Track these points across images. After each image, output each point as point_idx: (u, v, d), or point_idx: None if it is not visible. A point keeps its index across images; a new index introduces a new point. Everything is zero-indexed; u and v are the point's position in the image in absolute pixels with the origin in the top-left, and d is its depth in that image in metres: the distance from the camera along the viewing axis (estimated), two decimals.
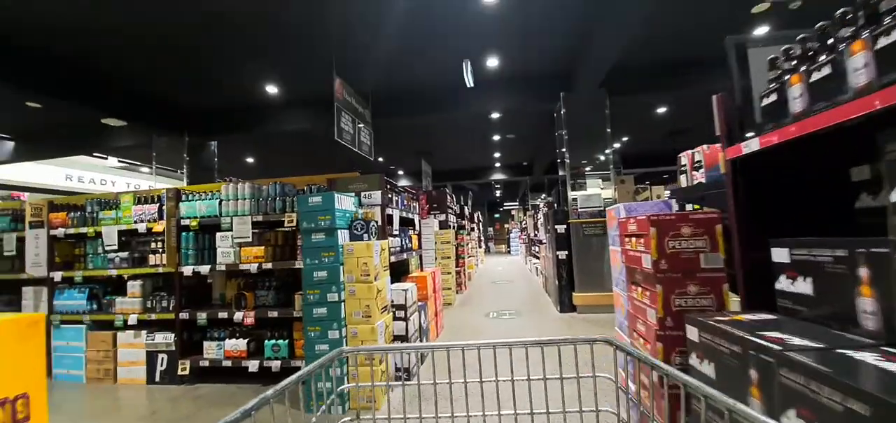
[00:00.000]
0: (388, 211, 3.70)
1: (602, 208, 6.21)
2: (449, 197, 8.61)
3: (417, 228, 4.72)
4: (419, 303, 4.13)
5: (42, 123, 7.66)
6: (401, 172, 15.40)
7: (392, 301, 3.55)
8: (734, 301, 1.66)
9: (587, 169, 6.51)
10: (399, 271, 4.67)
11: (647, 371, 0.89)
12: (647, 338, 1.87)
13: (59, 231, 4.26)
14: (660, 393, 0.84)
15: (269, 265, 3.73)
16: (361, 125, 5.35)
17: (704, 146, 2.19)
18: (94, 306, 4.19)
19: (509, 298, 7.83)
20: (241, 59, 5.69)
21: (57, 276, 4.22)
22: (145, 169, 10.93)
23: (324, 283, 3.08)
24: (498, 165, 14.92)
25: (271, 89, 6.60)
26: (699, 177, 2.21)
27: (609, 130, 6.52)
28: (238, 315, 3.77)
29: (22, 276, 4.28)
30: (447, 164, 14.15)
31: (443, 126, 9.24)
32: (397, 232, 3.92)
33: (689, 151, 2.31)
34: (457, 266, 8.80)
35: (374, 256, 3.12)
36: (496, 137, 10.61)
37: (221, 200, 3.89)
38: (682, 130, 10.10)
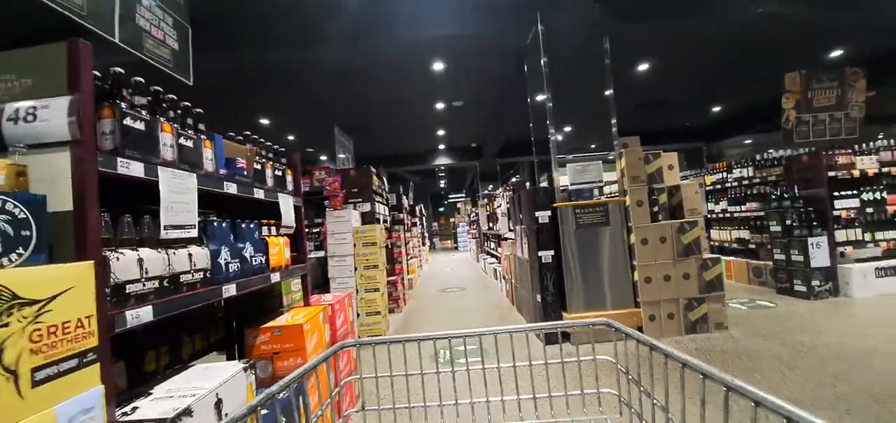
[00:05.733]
0: (128, 167, 1.14)
1: (602, 184, 4.20)
2: (376, 179, 6.15)
3: (289, 222, 2.21)
4: (265, 411, 1.67)
5: None
6: (324, 158, 12.48)
7: None
8: None
9: (565, 131, 4.45)
10: (251, 314, 2.17)
11: (647, 353, 0.85)
12: None
13: None
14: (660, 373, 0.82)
15: None
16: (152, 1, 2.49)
17: None
18: None
19: (466, 317, 5.60)
20: None
21: None
22: None
23: None
24: (442, 146, 12.65)
25: None
26: None
27: (609, 73, 4.51)
28: None
29: None
30: (380, 147, 11.57)
31: (367, 80, 6.69)
32: (192, 230, 1.40)
33: None
34: (393, 276, 6.39)
35: None
36: (440, 105, 8.31)
37: None
38: (657, 102, 8.58)
